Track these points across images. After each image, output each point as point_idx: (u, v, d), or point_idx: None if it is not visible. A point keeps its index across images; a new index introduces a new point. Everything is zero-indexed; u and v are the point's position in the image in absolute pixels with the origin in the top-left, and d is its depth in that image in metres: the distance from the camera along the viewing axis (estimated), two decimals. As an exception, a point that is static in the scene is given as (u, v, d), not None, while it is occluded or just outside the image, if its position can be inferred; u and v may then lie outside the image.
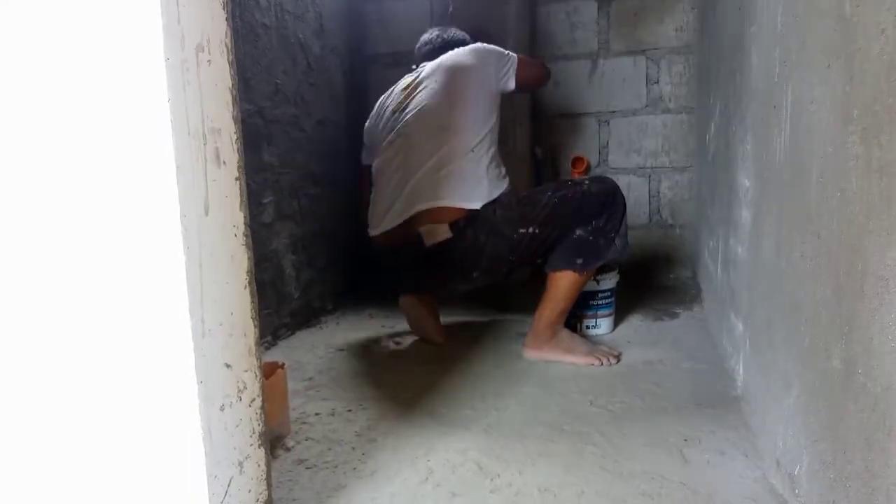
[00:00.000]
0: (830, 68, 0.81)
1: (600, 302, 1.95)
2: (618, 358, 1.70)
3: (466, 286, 2.01)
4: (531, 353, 1.76)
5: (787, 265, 0.99)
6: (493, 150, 1.82)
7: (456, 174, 1.77)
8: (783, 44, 1.04)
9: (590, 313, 1.95)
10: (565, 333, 1.77)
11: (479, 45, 1.91)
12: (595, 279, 1.90)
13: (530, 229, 1.71)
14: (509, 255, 1.76)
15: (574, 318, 1.94)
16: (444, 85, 1.84)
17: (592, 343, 1.80)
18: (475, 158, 1.78)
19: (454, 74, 1.84)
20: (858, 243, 0.71)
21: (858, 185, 0.71)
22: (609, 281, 1.94)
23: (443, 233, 1.75)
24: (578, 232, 1.69)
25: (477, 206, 1.74)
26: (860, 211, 0.71)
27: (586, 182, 1.74)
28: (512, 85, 1.88)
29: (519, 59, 1.91)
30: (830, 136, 0.80)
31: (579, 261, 1.69)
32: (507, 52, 1.90)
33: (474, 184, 1.76)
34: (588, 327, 1.96)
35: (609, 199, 1.70)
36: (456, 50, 1.92)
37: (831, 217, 0.80)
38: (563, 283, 1.72)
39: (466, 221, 1.74)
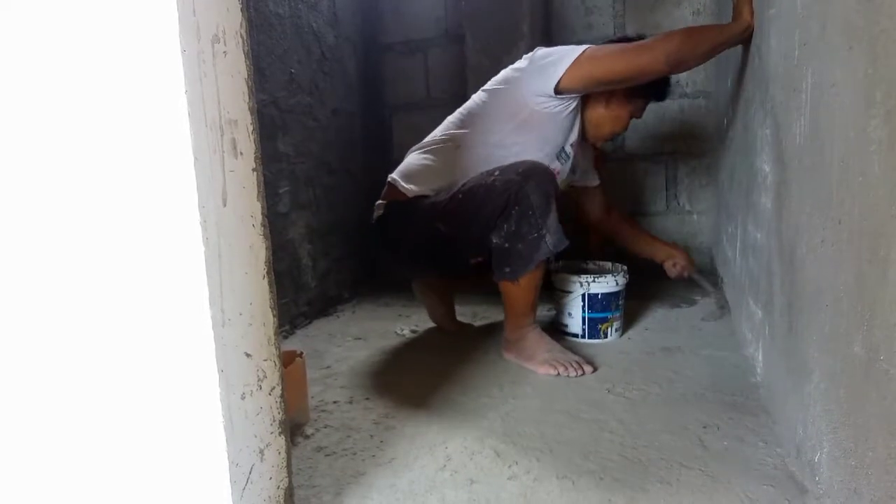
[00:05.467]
0: (852, 50, 0.79)
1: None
2: (583, 370, 1.54)
3: (422, 274, 1.94)
4: (505, 355, 1.70)
5: (808, 251, 0.98)
6: (481, 160, 1.67)
7: (426, 160, 1.74)
8: (803, 26, 1.02)
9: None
10: (532, 337, 1.65)
11: (539, 49, 1.70)
12: (614, 279, 1.80)
13: (438, 224, 1.62)
14: (427, 249, 1.69)
15: (606, 323, 1.82)
16: (493, 82, 1.77)
17: (563, 350, 1.63)
18: (455, 152, 1.70)
19: (504, 75, 1.75)
20: (881, 228, 0.70)
21: (881, 169, 0.70)
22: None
23: (377, 209, 1.77)
24: (494, 240, 1.56)
25: (410, 192, 1.68)
26: (883, 195, 0.70)
27: (496, 172, 1.56)
28: (549, 85, 1.61)
29: (585, 55, 1.59)
30: (852, 120, 0.79)
31: (507, 269, 1.57)
32: (573, 47, 1.62)
33: (432, 170, 1.70)
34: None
35: (512, 198, 1.50)
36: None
37: (853, 202, 0.79)
38: (506, 292, 1.63)
39: (398, 206, 1.71)
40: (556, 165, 1.76)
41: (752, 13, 1.50)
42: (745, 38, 1.54)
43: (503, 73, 1.76)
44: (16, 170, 0.81)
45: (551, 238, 1.53)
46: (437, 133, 1.82)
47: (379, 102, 2.86)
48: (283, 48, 2.03)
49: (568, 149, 1.78)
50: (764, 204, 1.33)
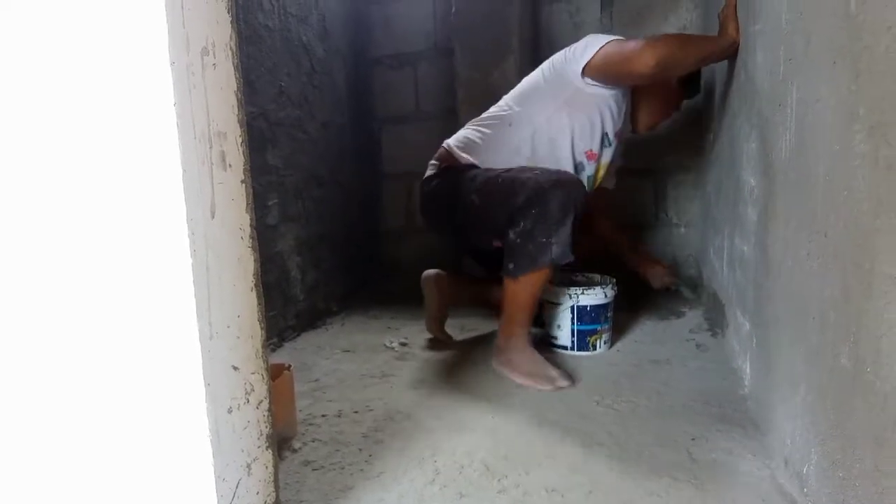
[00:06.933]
0: (836, 66, 0.80)
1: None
2: (553, 386, 1.54)
3: (457, 238, 2.04)
4: (493, 362, 1.70)
5: (794, 264, 0.99)
6: (530, 138, 1.75)
7: (481, 134, 1.83)
8: (788, 42, 1.04)
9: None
10: (519, 348, 1.65)
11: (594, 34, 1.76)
12: (602, 291, 1.80)
13: (473, 196, 1.71)
14: (460, 216, 1.77)
15: (595, 335, 1.81)
16: (551, 59, 1.81)
17: (544, 364, 1.61)
18: (503, 130, 1.79)
19: (560, 54, 1.78)
20: (866, 241, 0.71)
21: (865, 183, 0.71)
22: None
23: (430, 168, 1.91)
24: (510, 234, 1.61)
25: (463, 161, 1.79)
26: (867, 209, 0.71)
27: (536, 171, 1.63)
28: (578, 67, 1.67)
29: (603, 49, 1.65)
30: (836, 135, 0.80)
31: (510, 265, 1.61)
32: (609, 36, 1.69)
33: (484, 144, 1.80)
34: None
35: (536, 198, 1.55)
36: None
37: (838, 215, 0.80)
38: (507, 293, 1.66)
39: (450, 172, 1.82)
40: (597, 150, 1.82)
41: (737, 30, 1.52)
42: (731, 54, 1.57)
43: (561, 52, 1.79)
44: (3, 179, 0.81)
45: (557, 249, 1.56)
46: (493, 108, 1.88)
47: (368, 115, 2.87)
48: (273, 61, 2.03)
49: (611, 135, 1.82)
50: (750, 217, 1.34)
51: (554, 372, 1.58)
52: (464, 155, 1.81)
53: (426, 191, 1.90)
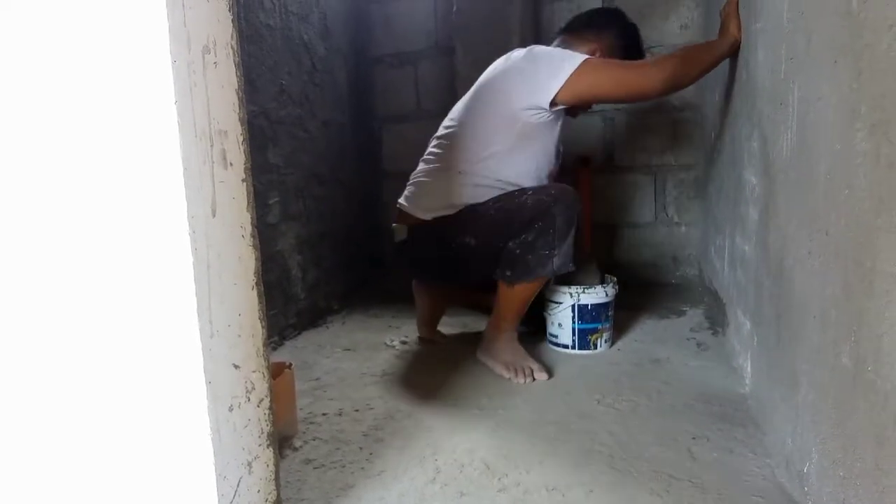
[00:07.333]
0: (837, 64, 0.80)
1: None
2: (533, 378, 1.59)
3: (444, 283, 1.99)
4: (478, 353, 1.77)
5: (795, 263, 0.99)
6: (493, 176, 1.68)
7: (431, 185, 1.76)
8: (790, 40, 1.04)
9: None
10: (504, 339, 1.70)
11: (539, 49, 1.68)
12: (603, 290, 1.80)
13: (468, 239, 1.66)
14: (456, 263, 1.73)
15: (596, 334, 1.81)
16: (480, 86, 1.75)
17: (525, 357, 1.67)
18: (457, 178, 1.70)
19: (492, 77, 1.72)
20: (867, 240, 0.71)
21: (867, 181, 0.71)
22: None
23: (401, 233, 1.81)
24: (510, 244, 1.62)
25: (428, 217, 1.72)
26: (869, 207, 0.70)
27: (529, 192, 1.62)
28: (544, 100, 1.60)
29: (584, 69, 1.57)
30: (838, 133, 0.80)
31: (508, 273, 1.63)
32: (570, 56, 1.60)
33: (440, 196, 1.72)
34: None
35: (540, 215, 1.57)
36: (522, 49, 1.72)
37: (839, 214, 0.79)
38: (500, 293, 1.68)
39: (421, 229, 1.74)
40: (554, 165, 1.79)
41: (738, 28, 1.52)
42: (733, 53, 1.56)
43: (491, 78, 1.72)
44: (4, 177, 0.81)
45: (559, 260, 1.59)
46: (431, 156, 1.81)
47: (369, 114, 2.87)
48: (274, 60, 2.03)
49: (560, 146, 1.80)
50: (751, 216, 1.34)
51: (534, 364, 1.64)
52: (424, 212, 1.73)
53: (402, 254, 1.85)
